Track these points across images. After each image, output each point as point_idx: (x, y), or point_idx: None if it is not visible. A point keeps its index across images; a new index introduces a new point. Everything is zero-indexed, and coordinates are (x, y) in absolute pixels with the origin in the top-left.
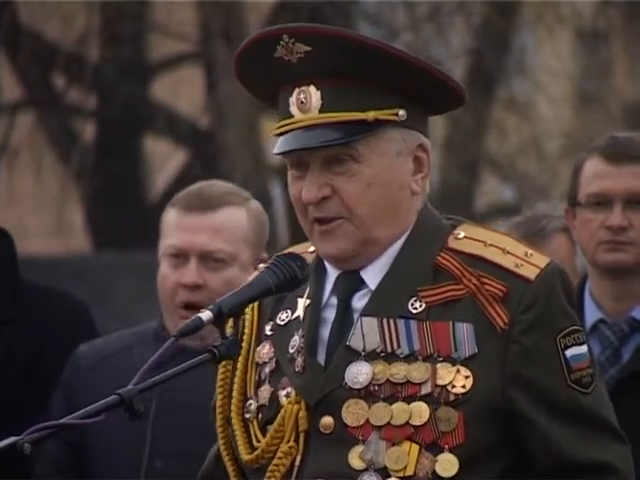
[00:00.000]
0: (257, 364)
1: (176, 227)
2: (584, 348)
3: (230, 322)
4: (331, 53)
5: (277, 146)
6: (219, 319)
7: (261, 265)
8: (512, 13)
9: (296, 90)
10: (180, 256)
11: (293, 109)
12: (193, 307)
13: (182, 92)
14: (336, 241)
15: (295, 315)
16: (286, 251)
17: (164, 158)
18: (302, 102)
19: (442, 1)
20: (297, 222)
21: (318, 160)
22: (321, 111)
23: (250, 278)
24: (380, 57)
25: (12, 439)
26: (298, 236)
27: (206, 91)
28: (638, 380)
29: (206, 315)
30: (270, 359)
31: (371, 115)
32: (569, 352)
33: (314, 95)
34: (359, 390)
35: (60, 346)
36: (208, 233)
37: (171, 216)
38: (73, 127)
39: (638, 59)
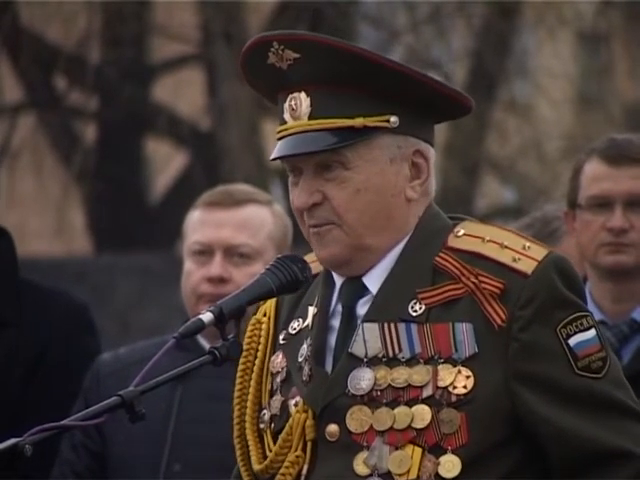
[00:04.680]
0: (271, 373)
1: (200, 224)
2: (591, 333)
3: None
4: (319, 60)
5: (274, 151)
6: (220, 321)
7: None
8: (513, 15)
9: (289, 96)
10: (205, 252)
11: (286, 115)
12: (217, 300)
13: (183, 94)
14: (327, 246)
15: (305, 324)
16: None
17: (165, 160)
18: (293, 109)
19: (443, 2)
20: (298, 224)
21: (310, 166)
22: (310, 117)
23: (251, 280)
24: (367, 65)
25: (13, 440)
26: (299, 238)
27: (207, 93)
28: (638, 382)
29: (207, 317)
30: (282, 369)
31: (359, 122)
32: (573, 340)
33: (304, 101)
34: (362, 396)
35: (61, 346)
36: (233, 227)
37: (194, 216)
38: (74, 129)
39: (639, 60)
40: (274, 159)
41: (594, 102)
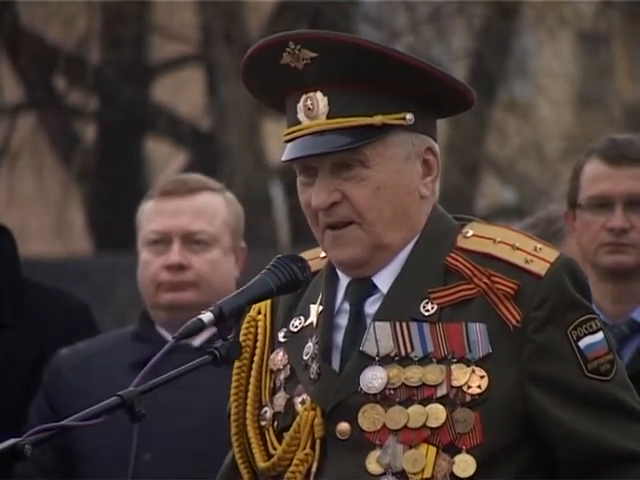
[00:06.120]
0: (271, 371)
1: (156, 213)
2: (599, 336)
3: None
4: (337, 58)
5: (285, 153)
6: (220, 320)
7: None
8: (513, 15)
9: (303, 96)
10: (162, 241)
11: (301, 115)
12: (177, 288)
13: (183, 94)
14: (347, 248)
15: (308, 322)
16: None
17: (165, 160)
18: (309, 108)
19: (443, 2)
20: (299, 224)
21: (327, 166)
22: (328, 117)
23: (251, 280)
24: (386, 62)
25: (13, 441)
26: (299, 238)
27: (207, 93)
28: (638, 382)
29: (207, 317)
30: (284, 366)
31: (378, 120)
32: (583, 343)
33: (321, 101)
34: (375, 395)
35: (62, 346)
36: (190, 215)
37: (148, 206)
38: (74, 129)
39: (639, 60)
40: (292, 160)
41: (594, 102)
